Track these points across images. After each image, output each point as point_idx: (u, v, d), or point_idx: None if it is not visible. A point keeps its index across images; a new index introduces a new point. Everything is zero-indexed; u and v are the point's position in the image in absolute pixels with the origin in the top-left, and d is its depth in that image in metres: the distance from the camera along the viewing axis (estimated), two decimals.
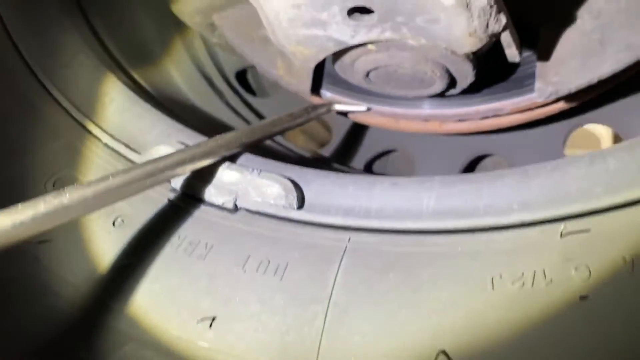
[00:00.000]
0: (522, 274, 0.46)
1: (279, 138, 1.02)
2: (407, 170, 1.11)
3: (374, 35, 0.63)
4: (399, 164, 1.12)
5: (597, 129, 1.27)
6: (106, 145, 0.66)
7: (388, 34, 0.63)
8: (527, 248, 0.48)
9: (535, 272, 0.46)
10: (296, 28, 0.64)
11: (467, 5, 0.57)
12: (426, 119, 0.87)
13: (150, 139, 0.64)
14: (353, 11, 0.60)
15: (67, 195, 0.43)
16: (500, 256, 0.48)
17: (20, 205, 0.41)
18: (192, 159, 0.55)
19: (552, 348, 0.42)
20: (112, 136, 0.67)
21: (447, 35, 0.61)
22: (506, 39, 0.65)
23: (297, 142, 1.20)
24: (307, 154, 1.08)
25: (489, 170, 1.07)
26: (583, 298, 0.43)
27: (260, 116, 1.13)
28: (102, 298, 0.53)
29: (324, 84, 0.89)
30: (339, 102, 0.86)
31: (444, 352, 0.43)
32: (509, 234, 0.50)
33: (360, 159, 1.11)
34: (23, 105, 0.71)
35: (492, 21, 0.60)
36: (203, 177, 0.60)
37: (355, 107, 0.87)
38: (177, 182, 0.61)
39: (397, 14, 0.59)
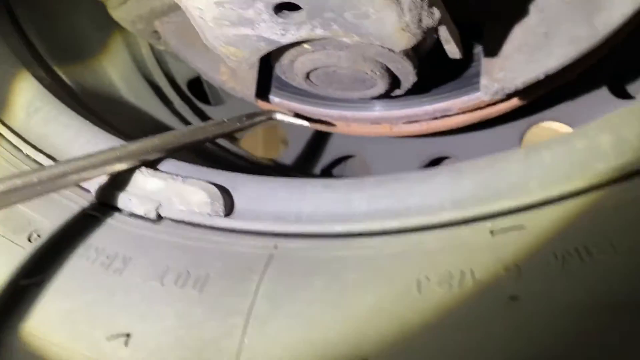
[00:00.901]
0: (450, 275, 0.43)
1: (229, 145, 0.99)
2: (365, 175, 1.08)
3: (304, 33, 0.60)
4: (356, 169, 1.10)
5: (555, 127, 1.26)
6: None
7: (319, 32, 0.60)
8: (456, 248, 0.46)
9: (463, 272, 0.43)
10: (223, 27, 0.61)
11: None
12: (376, 121, 0.85)
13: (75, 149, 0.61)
14: (280, 8, 0.57)
15: None
16: (428, 257, 0.46)
17: None
18: (105, 163, 0.52)
19: (480, 352, 0.39)
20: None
21: (379, 31, 0.59)
22: (443, 34, 0.63)
23: (257, 150, 1.17)
24: (262, 161, 1.05)
25: None
26: (513, 298, 0.40)
27: None
28: (9, 318, 0.50)
29: (273, 88, 0.86)
30: (282, 111, 0.83)
31: None
32: (439, 233, 0.47)
33: (317, 164, 1.08)
34: None
35: (424, 15, 0.58)
36: (124, 186, 0.57)
37: (297, 121, 0.85)
38: (98, 193, 0.57)
39: (326, 10, 0.57)
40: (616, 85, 0.93)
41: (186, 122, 1.01)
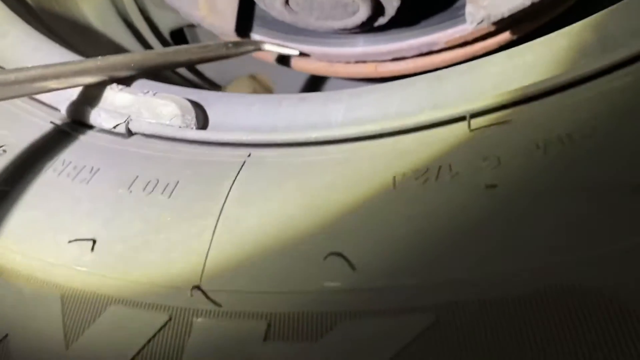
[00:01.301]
0: (427, 169, 0.42)
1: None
2: None
3: None
4: None
5: None
6: None
7: None
8: (434, 145, 0.44)
9: (440, 167, 0.41)
10: None
11: None
12: (360, 59, 0.82)
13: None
14: None
15: None
16: (406, 156, 0.44)
17: None
18: (71, 74, 0.49)
19: (459, 238, 0.37)
20: None
21: None
22: None
23: None
24: None
25: None
26: (490, 187, 0.38)
27: (199, 75, 1.08)
28: None
29: (254, 26, 0.84)
30: (271, 42, 0.81)
31: (338, 254, 0.38)
32: (417, 134, 0.45)
33: None
34: None
35: None
36: (92, 101, 0.54)
37: (287, 50, 0.82)
38: (68, 110, 0.55)
39: None
40: None
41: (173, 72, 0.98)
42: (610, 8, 0.47)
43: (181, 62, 0.64)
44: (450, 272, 0.36)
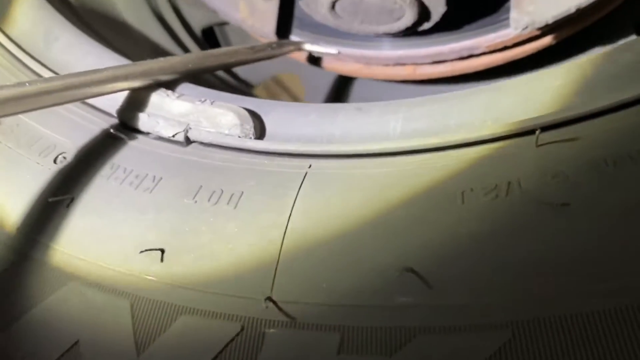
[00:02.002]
0: (495, 185, 0.42)
1: (246, 91, 0.97)
2: None
3: None
4: None
5: None
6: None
7: None
8: (501, 160, 0.44)
9: (510, 182, 0.42)
10: None
11: None
12: (399, 61, 0.83)
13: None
14: None
15: None
16: (472, 170, 0.44)
17: None
18: (121, 78, 0.50)
19: (533, 257, 0.38)
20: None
21: None
22: None
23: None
24: None
25: None
26: (563, 205, 0.39)
27: (233, 75, 1.08)
28: (38, 235, 0.49)
29: (293, 28, 0.84)
30: (310, 42, 0.81)
31: (412, 270, 0.39)
32: (481, 148, 0.46)
33: None
34: None
35: None
36: (149, 108, 0.55)
37: (326, 50, 0.83)
38: (121, 115, 0.56)
39: None
40: None
41: None
42: None
43: (231, 63, 0.64)
44: (525, 290, 0.37)
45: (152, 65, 0.56)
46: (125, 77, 0.54)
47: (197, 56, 0.61)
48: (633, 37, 0.91)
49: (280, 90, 1.12)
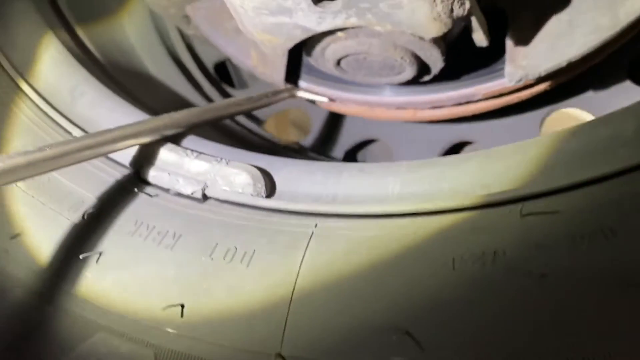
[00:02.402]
0: (483, 253, 0.47)
1: (255, 128, 1.02)
2: (386, 159, 1.12)
3: (339, 21, 0.63)
4: (378, 153, 1.13)
5: (574, 113, 1.28)
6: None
7: (353, 20, 0.63)
8: (488, 228, 0.49)
9: (495, 252, 0.47)
10: (262, 16, 0.64)
11: None
12: (401, 106, 0.88)
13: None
14: None
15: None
16: (462, 237, 0.49)
17: None
18: (132, 136, 0.56)
19: (513, 322, 0.42)
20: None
21: (412, 20, 0.61)
22: (472, 23, 0.66)
23: (282, 132, 1.21)
24: (286, 144, 1.08)
25: None
26: (542, 276, 0.44)
27: None
28: (70, 288, 0.54)
29: (301, 73, 0.89)
30: (302, 89, 0.86)
31: (407, 332, 0.44)
32: (471, 214, 0.50)
33: (340, 149, 1.11)
34: None
35: (456, 5, 0.60)
36: (171, 167, 0.60)
37: (318, 97, 0.88)
38: (144, 173, 0.61)
39: (361, 1, 0.59)
40: (635, 72, 0.95)
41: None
42: None
43: (231, 113, 0.70)
44: (511, 353, 0.41)
45: (159, 122, 0.62)
46: (136, 135, 0.59)
47: (199, 111, 0.66)
48: (624, 77, 0.96)
49: (288, 124, 1.17)
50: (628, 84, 0.95)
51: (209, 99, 1.07)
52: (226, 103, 0.73)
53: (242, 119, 1.05)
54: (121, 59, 0.93)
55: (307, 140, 1.09)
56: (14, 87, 0.69)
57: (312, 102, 0.91)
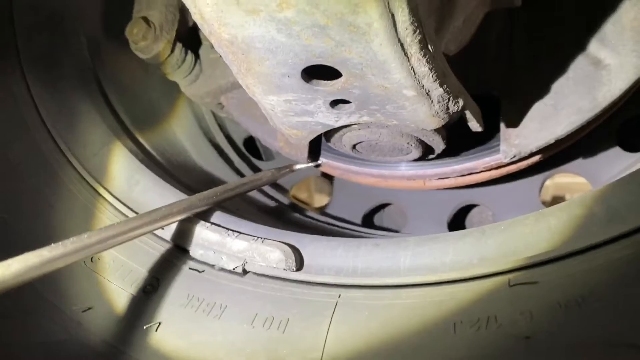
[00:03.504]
0: (478, 319, 0.56)
1: (282, 198, 1.14)
2: (401, 220, 1.22)
3: (353, 119, 0.75)
4: (393, 215, 1.23)
5: (570, 178, 1.38)
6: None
7: (365, 118, 0.75)
8: (483, 297, 0.59)
9: (488, 317, 0.56)
10: (289, 117, 0.76)
11: (427, 94, 0.69)
12: (411, 177, 0.99)
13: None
14: (335, 103, 0.72)
15: (68, 243, 0.56)
16: (461, 305, 0.59)
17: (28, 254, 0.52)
18: (170, 215, 0.68)
19: None
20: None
21: (414, 117, 0.73)
22: (467, 115, 0.77)
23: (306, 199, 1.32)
24: (310, 211, 1.20)
25: (475, 219, 1.18)
26: (527, 338, 0.53)
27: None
28: (135, 354, 0.64)
29: (322, 151, 1.01)
30: (299, 163, 0.98)
31: None
32: (469, 285, 0.60)
33: (358, 212, 1.22)
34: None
35: (451, 104, 0.72)
36: (215, 247, 0.72)
37: (309, 165, 0.99)
38: (195, 252, 0.73)
39: (371, 104, 0.71)
40: (624, 138, 1.06)
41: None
42: (614, 182, 0.62)
43: (245, 190, 0.83)
44: None
45: (192, 201, 0.74)
46: (174, 214, 0.71)
47: (221, 189, 0.78)
48: (616, 148, 1.06)
49: (311, 191, 1.29)
50: (618, 150, 1.05)
51: (238, 173, 1.19)
52: (240, 182, 0.85)
53: (268, 189, 1.17)
54: (170, 150, 1.07)
55: (329, 206, 1.20)
56: (93, 192, 0.82)
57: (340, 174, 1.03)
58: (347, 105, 0.73)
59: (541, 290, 0.56)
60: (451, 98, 0.71)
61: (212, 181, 1.10)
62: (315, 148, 1.00)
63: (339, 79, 0.65)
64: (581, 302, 0.53)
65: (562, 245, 0.59)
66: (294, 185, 1.26)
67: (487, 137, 0.94)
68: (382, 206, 1.23)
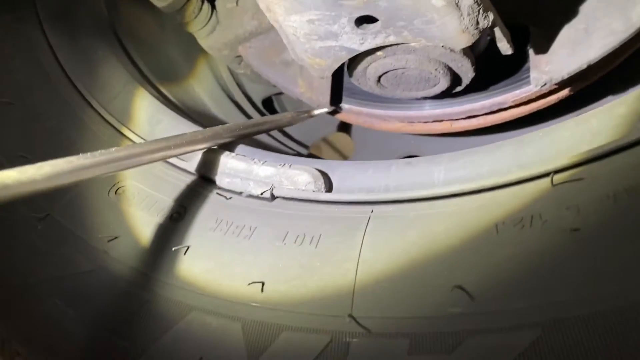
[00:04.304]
0: (522, 218, 0.54)
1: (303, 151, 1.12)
2: None
3: (379, 40, 0.73)
4: None
5: None
6: None
7: (392, 38, 0.72)
8: (525, 198, 0.56)
9: (532, 216, 0.54)
10: (312, 42, 0.74)
11: (457, 5, 0.66)
12: (437, 118, 0.96)
13: None
14: (360, 21, 0.70)
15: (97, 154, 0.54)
16: (503, 208, 0.56)
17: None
18: (195, 142, 0.66)
19: (554, 271, 0.49)
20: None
21: (443, 33, 0.70)
22: (497, 33, 0.74)
23: (326, 156, 1.30)
24: None
25: None
26: (574, 230, 0.50)
27: (285, 134, 1.24)
28: (164, 278, 0.63)
29: (343, 97, 0.99)
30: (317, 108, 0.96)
31: (460, 286, 0.51)
32: (509, 189, 0.58)
33: None
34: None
35: (481, 18, 0.69)
36: (242, 174, 0.70)
37: (324, 110, 0.96)
38: (221, 180, 0.71)
39: (398, 20, 0.69)
40: None
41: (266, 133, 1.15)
42: None
43: (267, 129, 0.81)
44: (549, 296, 0.48)
45: (216, 130, 0.72)
46: (199, 141, 0.69)
47: (244, 124, 0.77)
48: None
49: (330, 149, 1.27)
50: None
51: None
52: (262, 120, 0.83)
53: (291, 143, 1.15)
54: (187, 97, 1.06)
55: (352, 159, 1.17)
56: (115, 131, 0.81)
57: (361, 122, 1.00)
58: (373, 25, 0.71)
59: (587, 185, 0.54)
60: (481, 10, 0.68)
61: None
62: (336, 93, 0.98)
63: None
64: (630, 192, 0.51)
65: (608, 144, 0.56)
66: (315, 142, 1.24)
67: (515, 72, 0.91)
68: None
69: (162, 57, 1.10)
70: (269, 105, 1.30)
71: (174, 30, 1.12)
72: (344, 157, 1.31)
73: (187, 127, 0.81)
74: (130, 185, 0.73)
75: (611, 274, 0.47)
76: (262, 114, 1.23)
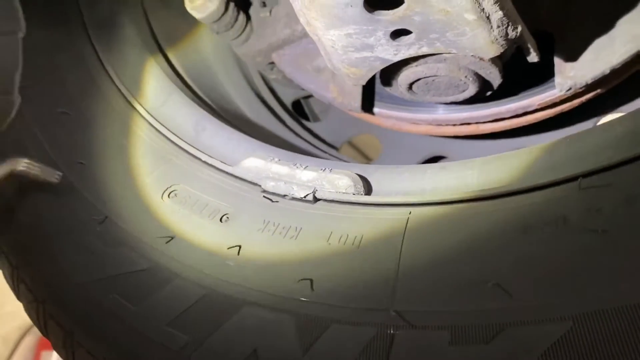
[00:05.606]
0: (550, 220, 0.58)
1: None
2: None
3: (412, 51, 0.77)
4: None
5: None
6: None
7: (424, 49, 0.77)
8: (555, 201, 0.60)
9: (564, 217, 0.58)
10: (349, 53, 0.79)
11: (488, 18, 0.70)
12: (464, 121, 1.00)
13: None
14: (395, 34, 0.74)
15: None
16: (535, 209, 0.60)
17: None
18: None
19: (586, 268, 0.53)
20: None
21: (473, 44, 0.75)
22: (524, 44, 0.78)
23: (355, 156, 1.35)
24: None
25: None
26: (604, 231, 0.55)
27: (314, 135, 1.29)
28: (218, 274, 0.68)
29: (375, 101, 1.04)
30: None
31: (497, 284, 0.55)
32: (540, 192, 0.62)
33: None
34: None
35: (509, 29, 0.73)
36: (286, 178, 0.75)
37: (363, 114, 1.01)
38: (267, 184, 0.76)
39: (431, 32, 0.73)
40: None
41: (296, 135, 1.20)
42: None
43: None
44: (580, 291, 0.52)
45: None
46: None
47: None
48: None
49: (360, 148, 1.32)
50: None
51: (291, 130, 1.23)
52: None
53: (322, 145, 1.20)
54: (225, 104, 1.11)
55: (379, 161, 1.22)
56: (129, 105, 0.87)
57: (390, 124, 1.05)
58: (407, 37, 0.75)
59: (614, 190, 0.58)
60: (510, 23, 0.72)
61: (265, 134, 1.14)
62: (368, 98, 1.03)
63: (401, 7, 0.68)
64: None
65: (629, 150, 0.60)
66: (344, 143, 1.28)
67: (541, 79, 0.95)
68: (435, 159, 1.25)
69: (199, 63, 1.15)
70: (298, 109, 1.35)
71: (209, 36, 1.17)
72: (371, 158, 1.36)
73: (229, 133, 0.87)
74: (181, 189, 0.78)
75: (637, 271, 0.51)
76: (292, 116, 1.28)
